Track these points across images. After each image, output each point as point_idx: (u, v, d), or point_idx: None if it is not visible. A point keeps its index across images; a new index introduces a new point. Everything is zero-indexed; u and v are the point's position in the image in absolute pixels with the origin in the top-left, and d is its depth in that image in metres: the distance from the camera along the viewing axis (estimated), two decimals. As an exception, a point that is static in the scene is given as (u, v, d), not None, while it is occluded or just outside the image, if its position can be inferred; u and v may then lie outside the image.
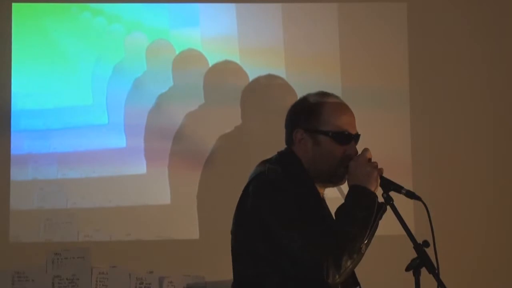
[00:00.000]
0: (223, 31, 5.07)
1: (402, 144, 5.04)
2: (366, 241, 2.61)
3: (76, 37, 5.00)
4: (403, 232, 2.63)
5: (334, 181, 2.77)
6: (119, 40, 5.00)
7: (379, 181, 2.68)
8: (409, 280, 2.65)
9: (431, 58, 5.12)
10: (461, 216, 5.01)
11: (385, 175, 2.71)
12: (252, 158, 2.91)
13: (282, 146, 2.85)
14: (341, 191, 3.08)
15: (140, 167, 4.94)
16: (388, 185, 2.70)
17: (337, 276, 2.53)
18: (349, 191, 2.66)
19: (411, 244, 2.60)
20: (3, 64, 4.89)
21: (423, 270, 2.60)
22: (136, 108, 4.96)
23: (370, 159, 2.71)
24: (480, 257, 4.98)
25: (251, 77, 5.02)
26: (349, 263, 2.55)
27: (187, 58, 5.03)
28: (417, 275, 2.60)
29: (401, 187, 2.69)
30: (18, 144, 4.88)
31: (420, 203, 2.68)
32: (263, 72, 5.02)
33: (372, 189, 2.65)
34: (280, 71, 5.03)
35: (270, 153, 2.83)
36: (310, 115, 2.75)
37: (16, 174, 4.86)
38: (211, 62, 5.02)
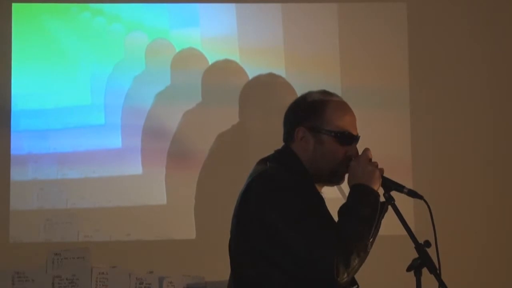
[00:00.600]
0: (223, 31, 5.06)
1: (402, 144, 5.04)
2: (371, 239, 2.60)
3: (76, 37, 5.00)
4: (404, 232, 2.63)
5: (334, 181, 2.75)
6: (119, 40, 5.00)
7: (381, 180, 2.67)
8: (410, 280, 2.64)
9: (431, 58, 5.12)
10: (461, 216, 5.01)
11: (385, 175, 2.70)
12: (250, 157, 2.88)
13: (281, 145, 2.82)
14: (341, 191, 3.08)
15: (139, 168, 4.94)
16: (390, 185, 2.68)
17: (346, 275, 2.51)
18: (351, 190, 2.64)
19: (412, 244, 2.59)
20: (3, 64, 4.88)
21: (424, 270, 2.59)
22: (134, 107, 4.96)
23: (371, 159, 2.70)
24: (481, 257, 4.98)
25: (251, 77, 5.01)
26: (357, 261, 2.54)
27: (186, 58, 5.03)
28: (418, 276, 2.59)
29: (403, 186, 2.68)
30: (18, 144, 4.88)
31: (420, 203, 2.68)
32: (263, 72, 5.01)
33: (375, 188, 2.64)
34: (280, 71, 5.02)
35: (268, 153, 2.78)
36: (313, 113, 2.71)
37: (16, 174, 4.86)
38: (211, 62, 5.02)
